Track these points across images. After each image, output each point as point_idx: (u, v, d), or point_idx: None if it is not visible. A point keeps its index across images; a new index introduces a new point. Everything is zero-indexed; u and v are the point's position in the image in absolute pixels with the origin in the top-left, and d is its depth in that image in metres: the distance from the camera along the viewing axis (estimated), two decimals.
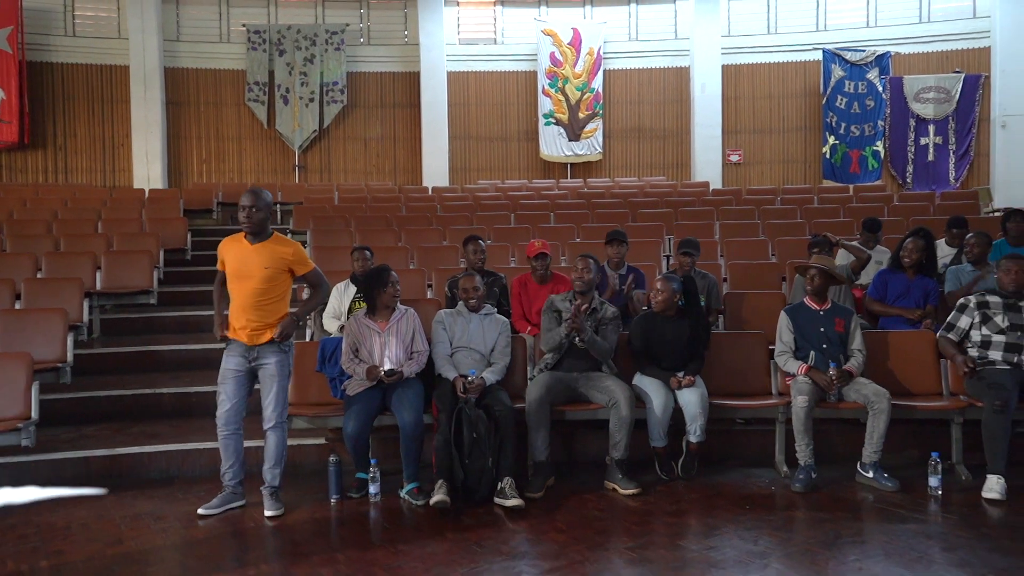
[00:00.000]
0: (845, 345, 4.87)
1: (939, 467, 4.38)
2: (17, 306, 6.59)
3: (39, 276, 7.47)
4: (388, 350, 4.68)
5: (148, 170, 14.58)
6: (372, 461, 4.53)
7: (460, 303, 5.05)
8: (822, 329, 4.85)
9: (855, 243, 6.74)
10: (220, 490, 4.41)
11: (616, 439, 4.62)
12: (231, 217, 12.16)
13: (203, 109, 15.23)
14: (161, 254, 8.77)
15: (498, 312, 5.18)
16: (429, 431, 4.61)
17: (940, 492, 4.36)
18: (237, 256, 4.31)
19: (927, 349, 5.10)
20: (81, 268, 7.56)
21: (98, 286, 7.61)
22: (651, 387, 4.73)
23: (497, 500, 4.31)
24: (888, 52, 14.63)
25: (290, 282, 4.42)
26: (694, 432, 4.65)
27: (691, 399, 4.64)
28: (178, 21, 15.16)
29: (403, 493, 4.47)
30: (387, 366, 4.63)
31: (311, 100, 15.17)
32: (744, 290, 6.63)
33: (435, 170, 15.19)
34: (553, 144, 15.49)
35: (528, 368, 5.15)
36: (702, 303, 5.75)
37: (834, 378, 4.63)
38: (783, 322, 4.95)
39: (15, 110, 13.83)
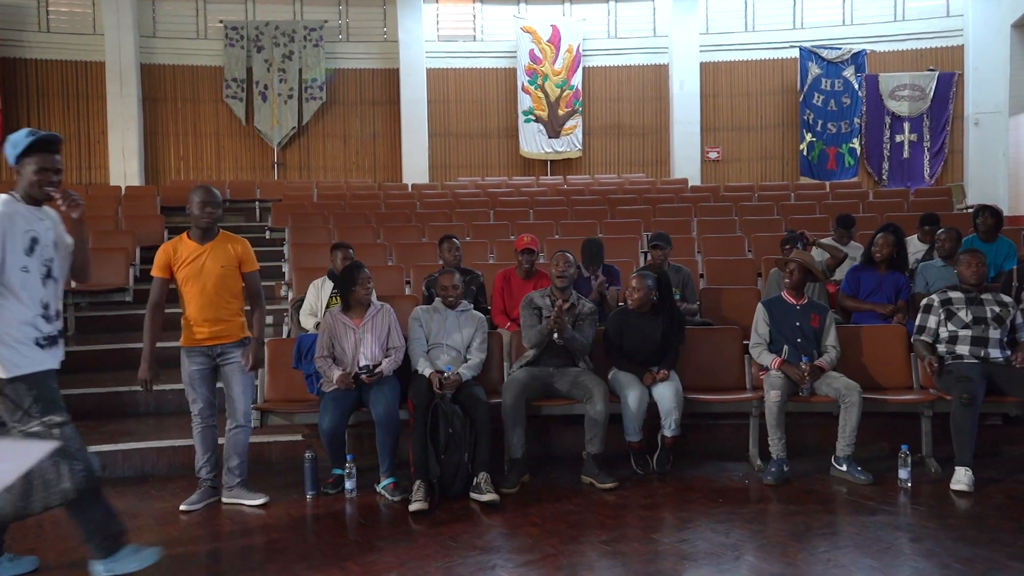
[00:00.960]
0: (819, 340, 4.93)
1: (909, 459, 4.45)
2: None
3: None
4: (363, 347, 4.68)
5: (125, 167, 14.45)
6: (348, 457, 4.53)
7: (437, 299, 5.06)
8: (797, 323, 4.91)
9: (831, 240, 6.83)
10: (196, 486, 4.40)
11: (592, 434, 4.65)
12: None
13: (180, 106, 15.11)
14: (137, 251, 8.71)
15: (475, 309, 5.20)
16: (405, 426, 4.62)
17: (910, 484, 4.42)
18: (189, 258, 4.26)
19: (898, 344, 5.18)
20: None
21: (72, 283, 7.53)
22: (626, 382, 4.76)
23: (472, 495, 4.33)
24: (864, 50, 14.76)
25: (240, 279, 4.37)
26: (669, 426, 4.69)
27: (666, 393, 4.68)
28: (154, 17, 15.01)
29: (379, 488, 4.48)
30: (362, 362, 4.63)
31: (290, 97, 15.09)
32: (720, 285, 6.70)
33: (415, 167, 15.15)
34: (533, 141, 15.51)
35: (505, 364, 5.18)
36: (677, 296, 5.81)
37: (806, 372, 4.69)
38: (759, 314, 5.01)
39: None
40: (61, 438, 3.07)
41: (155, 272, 4.35)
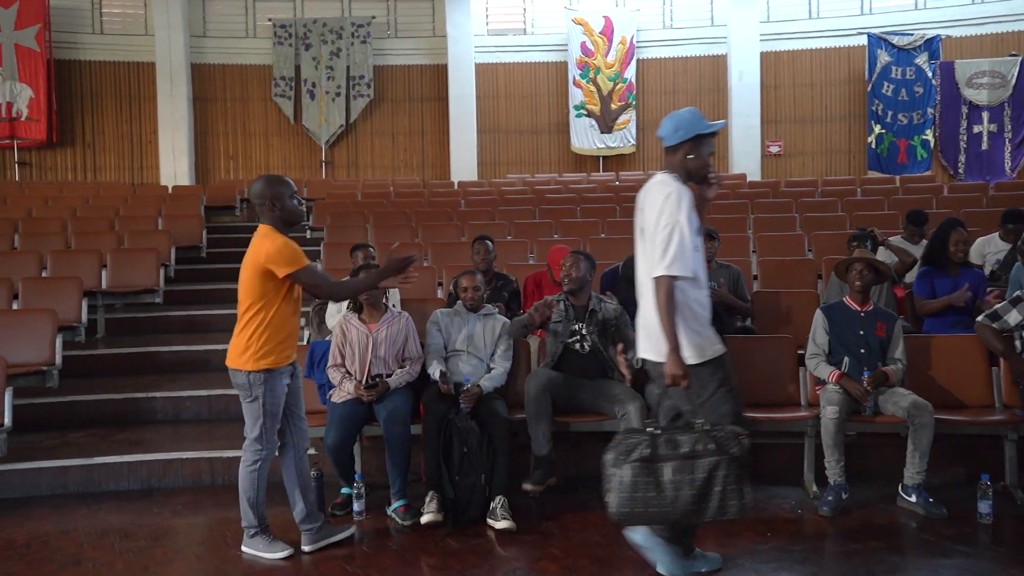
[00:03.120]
0: (885, 352, 4.37)
1: (990, 490, 3.87)
2: (15, 306, 6.41)
3: (44, 275, 7.30)
4: (375, 353, 4.31)
5: (175, 167, 14.48)
6: (357, 476, 4.18)
7: (458, 302, 4.67)
8: (861, 332, 4.35)
9: (900, 240, 6.21)
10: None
11: None
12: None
13: (230, 105, 15.08)
14: (172, 252, 8.57)
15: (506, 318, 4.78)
16: (419, 442, 4.24)
17: (991, 519, 3.84)
18: None
19: (977, 356, 4.56)
20: (85, 266, 7.37)
21: (103, 285, 7.41)
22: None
23: (489, 520, 3.93)
24: (938, 36, 13.82)
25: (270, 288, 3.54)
26: None
27: None
28: (204, 16, 15.02)
29: (390, 511, 4.11)
30: (373, 371, 4.27)
31: (337, 94, 14.92)
32: (775, 289, 6.15)
33: (463, 164, 14.82)
34: (585, 137, 15.01)
35: None
36: None
37: (868, 387, 4.14)
38: (818, 321, 4.46)
39: (43, 108, 13.83)
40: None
41: (305, 260, 3.55)
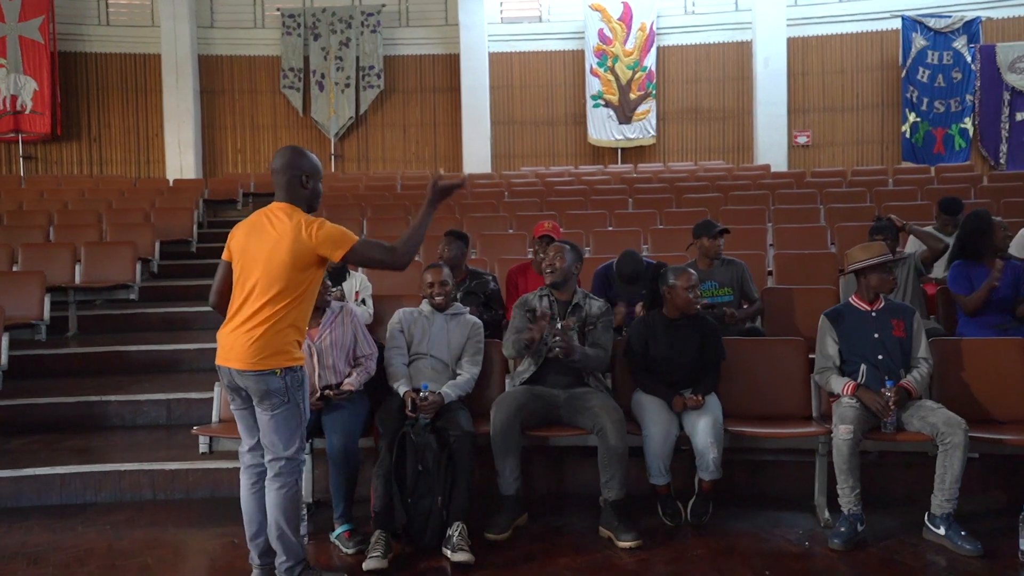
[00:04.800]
0: (908, 354, 3.78)
1: None
2: None
3: (15, 269, 6.93)
4: (321, 364, 3.80)
5: (181, 161, 14.16)
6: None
7: (424, 300, 4.16)
8: (876, 335, 3.76)
9: (930, 228, 5.57)
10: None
11: (608, 475, 3.64)
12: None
13: (238, 97, 14.75)
14: (156, 246, 8.18)
15: (482, 320, 4.25)
16: (371, 458, 3.74)
17: None
18: None
19: (1019, 363, 3.94)
20: (58, 261, 6.99)
21: (77, 280, 7.03)
22: (649, 409, 3.73)
23: (444, 550, 3.41)
24: (978, 17, 13.01)
25: None
26: (705, 468, 3.64)
27: (700, 426, 3.63)
28: (212, 7, 14.69)
29: (333, 537, 3.61)
30: (322, 383, 3.77)
31: (347, 85, 14.50)
32: (791, 285, 5.55)
33: (476, 157, 14.31)
34: (602, 128, 14.41)
35: (507, 382, 4.22)
36: (728, 298, 4.72)
37: (891, 400, 3.55)
38: (824, 330, 3.87)
39: (47, 101, 13.59)
40: None
41: (352, 234, 3.02)
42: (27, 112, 13.52)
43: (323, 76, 14.53)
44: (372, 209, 9.21)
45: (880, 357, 3.71)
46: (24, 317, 5.88)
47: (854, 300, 3.87)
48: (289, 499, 3.00)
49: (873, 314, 3.79)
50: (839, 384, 3.70)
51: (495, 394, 4.06)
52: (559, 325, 3.85)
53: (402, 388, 3.78)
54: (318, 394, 3.72)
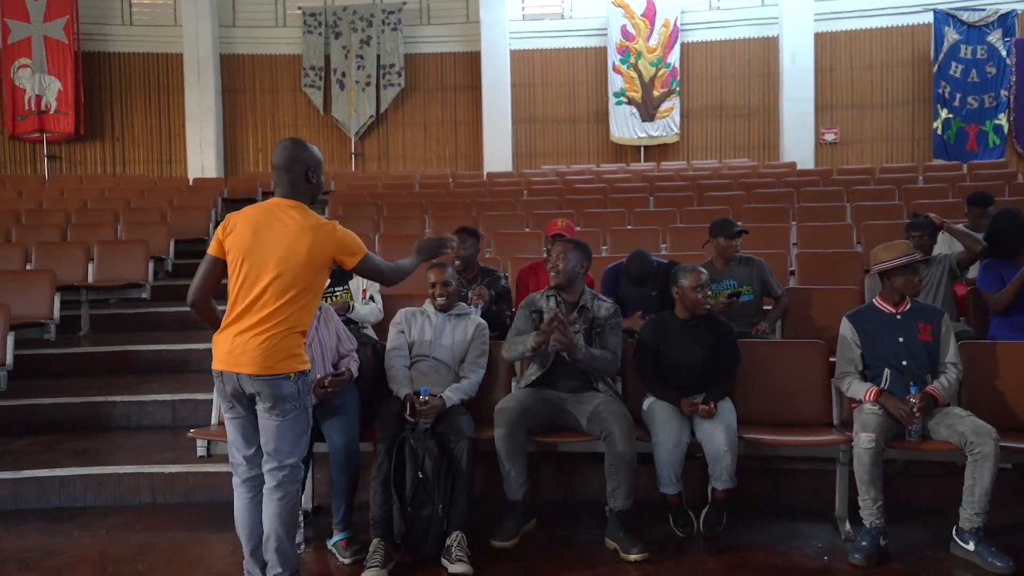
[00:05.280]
0: (935, 359, 3.57)
1: None
2: None
3: (28, 268, 6.92)
4: (314, 364, 3.68)
5: (202, 160, 14.19)
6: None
7: (427, 300, 4.02)
8: (900, 339, 3.55)
9: (964, 227, 5.33)
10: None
11: (614, 483, 3.48)
12: None
13: (259, 96, 14.74)
14: (171, 245, 8.14)
15: (492, 322, 4.11)
16: (370, 463, 3.61)
17: None
18: None
19: None
20: (71, 260, 6.97)
21: (89, 279, 7.00)
22: (660, 414, 3.57)
23: (443, 561, 3.28)
24: (1014, 10, 12.61)
25: None
26: (719, 476, 3.47)
27: (713, 434, 3.45)
28: (234, 6, 14.69)
29: (331, 544, 3.49)
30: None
31: (368, 84, 14.42)
32: (814, 285, 5.35)
33: (497, 155, 14.16)
34: (625, 125, 14.20)
35: (513, 385, 4.07)
36: (748, 297, 4.54)
37: (916, 407, 3.35)
38: (846, 332, 3.68)
39: (71, 101, 13.67)
40: None
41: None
42: (51, 112, 13.61)
43: (344, 75, 14.48)
44: (388, 208, 9.11)
45: (904, 363, 3.51)
46: (33, 316, 5.83)
47: (878, 302, 3.67)
48: (289, 510, 2.89)
49: (898, 317, 3.59)
50: (861, 389, 3.51)
51: (500, 398, 3.90)
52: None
53: (402, 391, 3.65)
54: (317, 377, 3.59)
